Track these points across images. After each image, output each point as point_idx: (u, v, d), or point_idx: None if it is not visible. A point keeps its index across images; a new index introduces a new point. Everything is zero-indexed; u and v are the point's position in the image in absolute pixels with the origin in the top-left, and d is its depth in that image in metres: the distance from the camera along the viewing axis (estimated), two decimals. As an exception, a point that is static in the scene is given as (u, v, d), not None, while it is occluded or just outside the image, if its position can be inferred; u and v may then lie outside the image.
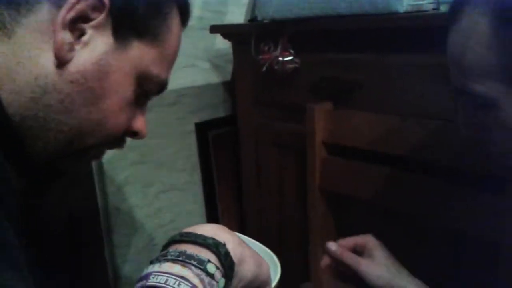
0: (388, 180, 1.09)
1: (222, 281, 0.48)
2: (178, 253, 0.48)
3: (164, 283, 0.45)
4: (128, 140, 0.67)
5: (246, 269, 0.53)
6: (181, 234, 0.51)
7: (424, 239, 1.13)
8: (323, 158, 1.19)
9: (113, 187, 1.41)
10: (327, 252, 0.93)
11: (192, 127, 1.56)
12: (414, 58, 1.04)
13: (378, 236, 1.22)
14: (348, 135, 1.14)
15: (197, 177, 1.59)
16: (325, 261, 0.95)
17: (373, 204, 1.14)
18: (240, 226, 1.62)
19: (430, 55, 0.98)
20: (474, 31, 0.57)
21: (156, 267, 0.47)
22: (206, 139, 1.59)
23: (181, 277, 0.45)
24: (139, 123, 0.65)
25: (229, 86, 1.60)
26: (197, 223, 0.53)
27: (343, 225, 1.28)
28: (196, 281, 0.46)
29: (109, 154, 1.40)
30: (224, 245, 0.50)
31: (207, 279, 0.47)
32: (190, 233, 0.51)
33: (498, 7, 0.55)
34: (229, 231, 0.54)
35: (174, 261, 0.47)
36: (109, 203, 1.41)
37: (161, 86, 0.66)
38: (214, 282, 0.47)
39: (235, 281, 0.51)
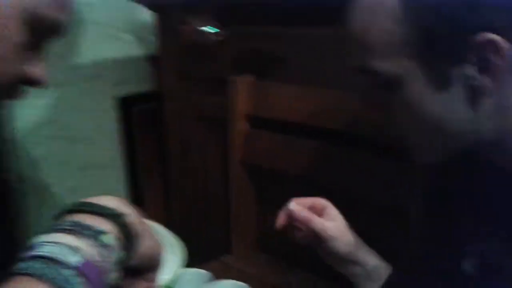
0: (311, 153, 1.10)
1: (119, 253, 0.46)
2: (73, 223, 0.45)
3: (50, 253, 0.42)
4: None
5: (146, 245, 0.50)
6: (79, 204, 0.48)
7: (348, 211, 1.16)
8: (245, 132, 1.18)
9: (27, 163, 1.33)
10: (287, 212, 0.79)
11: (113, 102, 1.50)
12: (336, 31, 1.05)
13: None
14: (271, 108, 1.13)
15: (118, 154, 1.54)
16: (281, 221, 0.81)
17: (296, 178, 1.15)
18: (164, 203, 1.59)
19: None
20: (381, 5, 0.55)
21: (45, 237, 0.44)
22: (129, 114, 1.53)
23: (72, 247, 0.43)
24: (36, 69, 0.60)
25: (153, 60, 1.55)
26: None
27: (266, 200, 1.28)
28: (88, 251, 0.43)
29: (23, 127, 1.33)
30: (123, 216, 0.48)
31: (102, 251, 0.44)
32: (88, 202, 0.48)
33: None
34: (131, 206, 0.51)
35: (66, 230, 0.44)
36: (22, 180, 1.33)
37: (55, 28, 0.61)
38: (110, 254, 0.45)
39: (134, 255, 0.49)
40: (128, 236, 0.47)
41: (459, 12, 0.51)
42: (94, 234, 0.44)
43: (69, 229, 0.44)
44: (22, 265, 0.42)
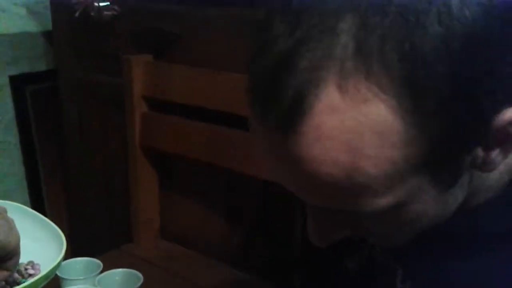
0: (209, 136, 1.07)
1: None
2: None
3: None
4: None
5: None
6: None
7: (244, 193, 1.15)
8: (143, 113, 1.13)
9: None
10: None
11: (5, 81, 1.39)
12: (232, 12, 1.02)
13: (200, 192, 1.21)
14: (168, 89, 1.09)
15: (13, 136, 1.44)
16: None
17: (194, 160, 1.12)
18: (64, 187, 1.51)
19: (250, 10, 0.97)
20: (375, 135, 0.37)
21: None
22: (23, 94, 1.43)
23: None
24: None
25: (49, 36, 1.45)
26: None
27: (168, 185, 1.25)
28: None
29: None
30: None
31: None
32: None
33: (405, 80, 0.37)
34: None
35: None
36: None
37: None
38: None
39: None
40: None
41: (476, 95, 0.38)
42: None
43: None
44: None
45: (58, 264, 0.55)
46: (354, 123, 0.37)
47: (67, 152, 1.46)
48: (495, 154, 0.42)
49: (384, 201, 0.41)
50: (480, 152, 0.41)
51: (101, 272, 0.91)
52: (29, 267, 0.58)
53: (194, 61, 1.07)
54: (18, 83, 1.41)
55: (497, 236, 0.47)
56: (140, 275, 0.91)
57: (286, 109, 0.38)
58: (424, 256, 0.52)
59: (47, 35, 1.44)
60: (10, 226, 0.52)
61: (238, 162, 1.03)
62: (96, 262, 0.94)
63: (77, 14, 1.11)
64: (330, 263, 0.64)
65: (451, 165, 0.42)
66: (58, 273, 0.91)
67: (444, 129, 0.39)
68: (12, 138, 1.43)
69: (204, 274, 1.13)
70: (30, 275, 0.57)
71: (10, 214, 0.55)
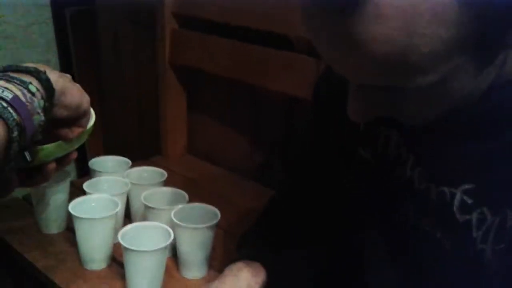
0: (234, 52, 1.11)
1: (41, 102, 0.53)
2: (2, 74, 0.52)
3: None
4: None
5: (69, 98, 0.57)
6: (6, 65, 0.54)
7: (264, 107, 1.20)
8: (173, 30, 1.18)
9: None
10: None
11: (47, 1, 1.46)
12: None
13: (226, 110, 1.27)
14: (198, 6, 1.13)
15: (53, 56, 1.52)
16: None
17: (221, 77, 1.17)
18: (99, 105, 1.59)
19: None
20: (427, 12, 0.40)
21: None
22: (63, 16, 1.50)
23: (3, 87, 0.50)
24: None
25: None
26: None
27: (195, 102, 1.31)
28: (18, 93, 0.51)
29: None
30: (44, 72, 0.54)
31: (28, 95, 0.52)
32: (13, 65, 0.54)
33: None
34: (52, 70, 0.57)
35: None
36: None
37: None
38: (35, 99, 0.52)
39: (59, 109, 0.57)
40: (49, 88, 0.54)
41: None
42: (20, 83, 0.52)
43: (1, 78, 0.52)
44: None
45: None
46: (412, 2, 0.39)
47: (102, 73, 1.54)
48: None
49: (429, 78, 0.44)
50: None
51: (130, 168, 0.99)
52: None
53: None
54: (58, 5, 1.48)
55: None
56: (163, 171, 0.98)
57: None
58: (436, 141, 0.56)
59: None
60: (80, 88, 0.59)
61: (263, 79, 1.08)
62: (126, 160, 1.02)
63: None
64: (343, 152, 0.69)
65: (493, 46, 0.44)
66: (90, 165, 1.00)
67: (496, 10, 0.41)
68: (52, 57, 1.51)
69: (226, 186, 1.20)
70: None
71: None
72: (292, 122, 1.15)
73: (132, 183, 0.93)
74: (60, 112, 0.57)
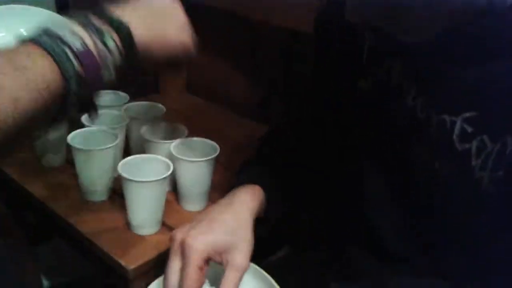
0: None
1: (116, 59, 0.52)
2: (85, 18, 0.51)
3: (58, 32, 0.48)
4: None
5: (156, 54, 0.56)
6: (97, 8, 0.52)
7: (263, 44, 1.18)
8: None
9: None
10: None
11: None
12: None
13: (226, 48, 1.24)
14: None
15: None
16: None
17: (220, 13, 1.14)
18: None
19: None
20: None
21: (59, 22, 0.49)
22: None
23: (77, 34, 0.49)
24: None
25: None
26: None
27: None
28: (90, 43, 0.49)
29: None
30: (128, 27, 0.52)
31: (102, 48, 0.50)
32: (99, 8, 0.53)
33: None
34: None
35: (78, 22, 0.50)
36: None
37: None
38: (108, 55, 0.50)
39: (148, 64, 0.56)
40: (130, 46, 0.52)
41: None
42: (97, 33, 0.50)
43: (80, 22, 0.50)
44: (34, 36, 0.48)
45: None
46: None
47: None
48: None
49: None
50: None
51: (128, 103, 0.99)
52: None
53: None
54: None
55: None
56: (162, 106, 0.98)
57: None
58: (438, 67, 0.56)
59: None
60: (178, 35, 0.59)
61: (263, 13, 1.05)
62: (124, 94, 1.02)
63: None
64: (343, 84, 0.69)
65: None
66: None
67: None
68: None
69: (225, 123, 1.20)
70: None
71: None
72: (291, 59, 1.13)
73: (130, 117, 0.92)
74: (150, 67, 0.58)
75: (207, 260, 0.60)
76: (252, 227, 0.65)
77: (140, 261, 0.75)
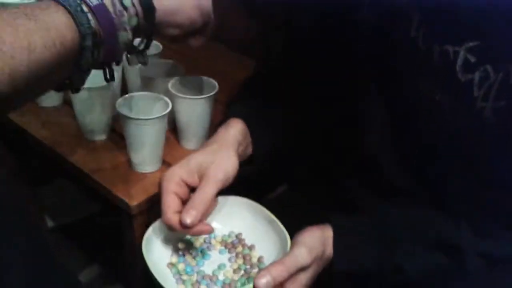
0: None
1: (133, 19, 0.52)
2: None
3: None
4: None
5: (180, 18, 0.57)
6: None
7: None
8: None
9: None
10: None
11: None
12: None
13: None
14: None
15: None
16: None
17: None
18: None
19: None
20: None
21: None
22: None
23: None
24: None
25: None
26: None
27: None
28: (107, 2, 0.49)
29: None
30: None
31: (119, 7, 0.50)
32: None
33: None
34: None
35: None
36: None
37: None
38: (125, 13, 0.50)
39: (169, 29, 0.57)
40: (148, 7, 0.52)
41: None
42: None
43: None
44: None
45: None
46: None
47: None
48: None
49: None
50: None
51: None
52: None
53: None
54: None
55: None
56: (158, 43, 0.96)
57: None
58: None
59: None
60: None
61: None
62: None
63: None
64: (346, 11, 0.67)
65: None
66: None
67: None
68: None
69: (225, 62, 1.18)
70: None
71: None
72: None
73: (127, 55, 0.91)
74: (171, 32, 0.57)
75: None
76: (234, 151, 0.67)
77: (142, 198, 0.76)
